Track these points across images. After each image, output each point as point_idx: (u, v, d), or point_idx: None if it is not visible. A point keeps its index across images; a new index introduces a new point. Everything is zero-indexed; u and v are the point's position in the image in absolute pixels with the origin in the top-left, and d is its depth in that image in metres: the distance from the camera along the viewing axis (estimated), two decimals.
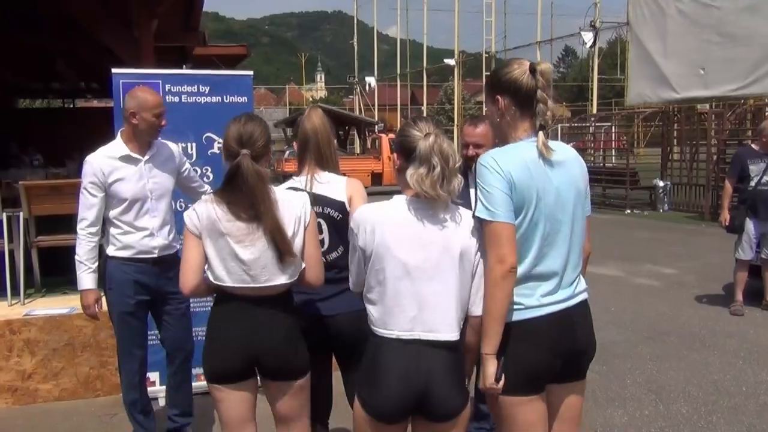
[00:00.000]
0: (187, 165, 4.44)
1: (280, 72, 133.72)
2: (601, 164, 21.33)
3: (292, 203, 3.01)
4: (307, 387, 3.12)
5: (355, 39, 47.18)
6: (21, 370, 5.16)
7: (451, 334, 2.57)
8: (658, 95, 19.04)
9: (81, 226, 3.98)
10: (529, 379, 2.60)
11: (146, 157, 4.09)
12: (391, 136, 28.33)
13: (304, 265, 3.03)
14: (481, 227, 2.59)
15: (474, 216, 2.62)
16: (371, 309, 2.64)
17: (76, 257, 3.99)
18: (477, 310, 2.61)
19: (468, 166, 3.70)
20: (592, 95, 28.36)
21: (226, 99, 5.34)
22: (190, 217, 2.98)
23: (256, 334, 2.95)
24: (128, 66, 6.19)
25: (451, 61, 35.62)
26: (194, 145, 5.23)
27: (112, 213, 4.02)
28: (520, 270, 2.58)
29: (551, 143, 2.64)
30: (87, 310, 4.05)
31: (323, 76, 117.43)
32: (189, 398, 4.44)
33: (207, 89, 5.31)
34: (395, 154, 2.72)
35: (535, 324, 2.60)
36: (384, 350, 2.57)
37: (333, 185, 3.38)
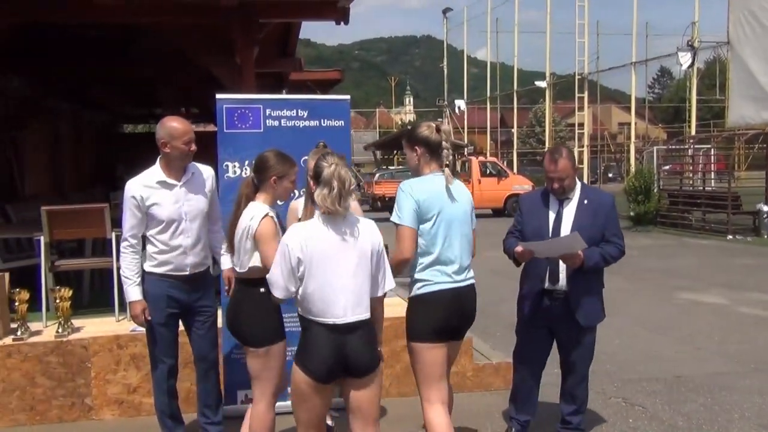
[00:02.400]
0: (215, 193, 4.69)
1: (369, 96, 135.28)
2: (701, 188, 20.59)
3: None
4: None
5: (445, 62, 47.30)
6: (127, 383, 5.36)
7: (366, 314, 3.46)
8: (761, 116, 18.29)
9: (124, 245, 4.39)
10: (435, 332, 3.93)
11: (181, 182, 4.41)
12: (482, 158, 28.20)
13: None
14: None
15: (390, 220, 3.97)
16: (305, 302, 3.44)
17: (122, 272, 4.41)
18: (378, 291, 3.55)
19: (560, 199, 4.50)
20: (690, 117, 27.48)
21: (324, 123, 5.46)
22: None
23: None
24: (230, 91, 6.41)
25: (542, 83, 35.22)
26: None
27: (150, 232, 4.38)
28: (431, 257, 3.96)
29: (451, 179, 4.05)
30: (136, 319, 4.45)
31: (412, 100, 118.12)
32: (217, 401, 4.70)
33: (305, 113, 5.44)
34: (312, 181, 3.59)
35: (440, 294, 3.95)
36: (316, 331, 3.40)
37: None
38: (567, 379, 4.70)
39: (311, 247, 3.40)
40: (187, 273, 4.43)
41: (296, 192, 4.86)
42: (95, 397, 5.34)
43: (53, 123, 13.73)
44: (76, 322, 5.58)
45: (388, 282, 3.60)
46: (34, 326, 5.59)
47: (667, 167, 23.37)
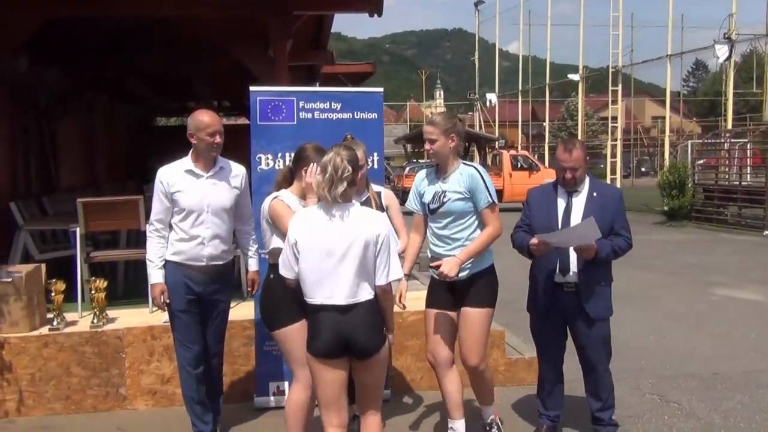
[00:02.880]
0: (247, 192, 4.75)
1: (400, 89, 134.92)
2: (737, 182, 20.23)
3: None
4: None
5: (477, 55, 47.04)
6: (160, 374, 5.41)
7: (358, 299, 3.57)
8: None
9: (149, 229, 4.57)
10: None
11: (208, 174, 4.52)
12: (512, 152, 28.02)
13: None
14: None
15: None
16: (304, 286, 3.64)
17: (146, 255, 4.55)
18: (381, 280, 3.61)
19: (569, 191, 4.50)
20: (725, 110, 27.00)
21: (357, 115, 5.44)
22: None
23: None
24: (263, 84, 6.41)
25: (575, 77, 34.82)
26: None
27: (174, 219, 4.52)
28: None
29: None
30: (155, 301, 4.60)
31: (442, 93, 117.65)
32: (217, 391, 4.84)
33: (338, 106, 5.42)
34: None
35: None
36: (311, 311, 3.62)
37: None
38: (588, 376, 4.66)
39: (304, 231, 3.62)
40: (203, 264, 4.52)
41: None
42: (129, 387, 5.40)
43: (88, 116, 13.89)
44: (111, 313, 5.64)
45: (393, 272, 3.66)
46: (69, 317, 5.66)
47: (701, 161, 23.01)
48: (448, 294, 4.46)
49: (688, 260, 13.10)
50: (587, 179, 4.56)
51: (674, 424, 5.10)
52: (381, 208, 4.61)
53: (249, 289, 4.86)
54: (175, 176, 4.49)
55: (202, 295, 4.57)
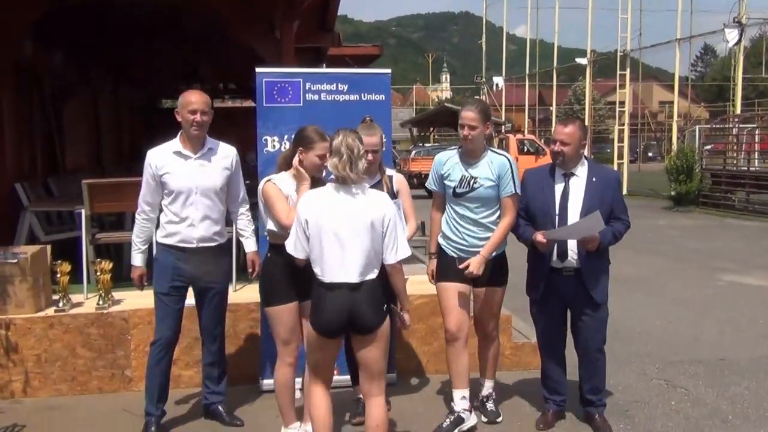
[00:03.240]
0: (238, 173, 4.72)
1: (406, 72, 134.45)
2: (745, 168, 20.11)
3: None
4: None
5: (484, 39, 46.75)
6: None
7: (365, 277, 3.70)
8: None
9: (138, 211, 4.60)
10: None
11: (197, 155, 4.50)
12: (519, 136, 27.92)
13: None
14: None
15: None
16: (314, 265, 3.75)
17: (132, 237, 4.62)
18: (390, 259, 3.76)
19: (555, 160, 4.52)
20: (734, 95, 26.77)
21: (364, 97, 5.40)
22: None
23: None
24: (269, 66, 6.36)
25: (583, 61, 34.48)
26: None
27: (163, 202, 4.54)
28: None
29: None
30: (135, 283, 4.66)
31: (449, 77, 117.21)
32: (220, 372, 4.84)
33: (345, 87, 5.38)
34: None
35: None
36: (324, 291, 3.71)
37: None
38: (585, 360, 4.67)
39: (315, 211, 3.72)
40: (194, 246, 4.52)
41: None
42: (135, 368, 5.39)
43: (94, 98, 13.84)
44: (117, 295, 5.63)
45: (401, 251, 3.80)
46: (75, 298, 5.65)
47: (708, 146, 22.87)
48: (460, 269, 4.50)
49: (695, 246, 13.05)
50: (585, 162, 4.57)
51: (681, 410, 5.08)
52: (392, 192, 4.64)
53: (249, 270, 4.81)
54: (163, 158, 4.49)
55: (194, 278, 4.56)
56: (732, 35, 22.73)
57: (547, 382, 4.81)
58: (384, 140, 4.84)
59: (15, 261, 5.27)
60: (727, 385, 5.58)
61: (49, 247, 5.75)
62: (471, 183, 4.45)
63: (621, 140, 28.09)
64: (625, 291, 9.07)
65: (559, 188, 4.52)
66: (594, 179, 4.50)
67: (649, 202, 22.33)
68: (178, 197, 4.48)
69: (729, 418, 4.93)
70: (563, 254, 4.48)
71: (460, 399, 4.62)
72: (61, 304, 5.42)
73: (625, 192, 25.20)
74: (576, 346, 4.70)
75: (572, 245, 4.46)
